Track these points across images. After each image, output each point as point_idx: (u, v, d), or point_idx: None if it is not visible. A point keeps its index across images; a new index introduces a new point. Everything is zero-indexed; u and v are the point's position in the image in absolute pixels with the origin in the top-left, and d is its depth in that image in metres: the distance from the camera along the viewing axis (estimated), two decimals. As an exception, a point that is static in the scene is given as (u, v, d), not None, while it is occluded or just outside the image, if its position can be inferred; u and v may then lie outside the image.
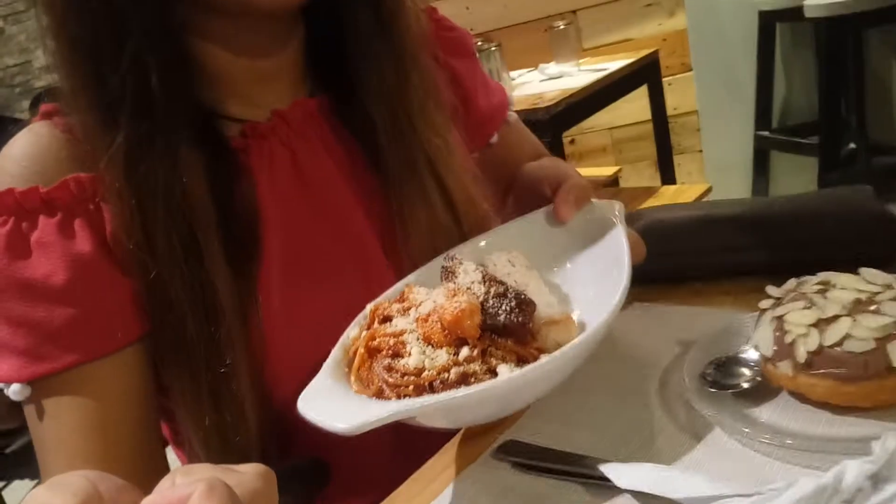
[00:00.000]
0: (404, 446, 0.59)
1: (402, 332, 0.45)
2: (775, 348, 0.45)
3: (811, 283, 0.48)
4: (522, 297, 0.47)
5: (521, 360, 0.45)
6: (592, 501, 0.43)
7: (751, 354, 0.49)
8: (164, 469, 0.59)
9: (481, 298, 0.46)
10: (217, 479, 0.24)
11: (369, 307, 0.50)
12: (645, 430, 0.49)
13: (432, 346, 0.44)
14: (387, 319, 0.48)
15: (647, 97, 2.31)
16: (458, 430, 0.55)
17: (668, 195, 2.06)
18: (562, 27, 2.18)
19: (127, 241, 0.53)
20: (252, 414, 0.56)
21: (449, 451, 0.53)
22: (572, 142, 2.91)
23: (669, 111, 2.45)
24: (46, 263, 0.53)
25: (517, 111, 0.85)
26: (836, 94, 2.19)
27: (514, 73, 2.31)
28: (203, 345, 0.54)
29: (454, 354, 0.43)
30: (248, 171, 0.60)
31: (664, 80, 2.36)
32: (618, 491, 0.42)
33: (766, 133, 2.48)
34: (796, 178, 2.51)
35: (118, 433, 0.55)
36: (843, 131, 2.22)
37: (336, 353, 0.48)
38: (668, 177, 2.45)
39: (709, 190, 2.05)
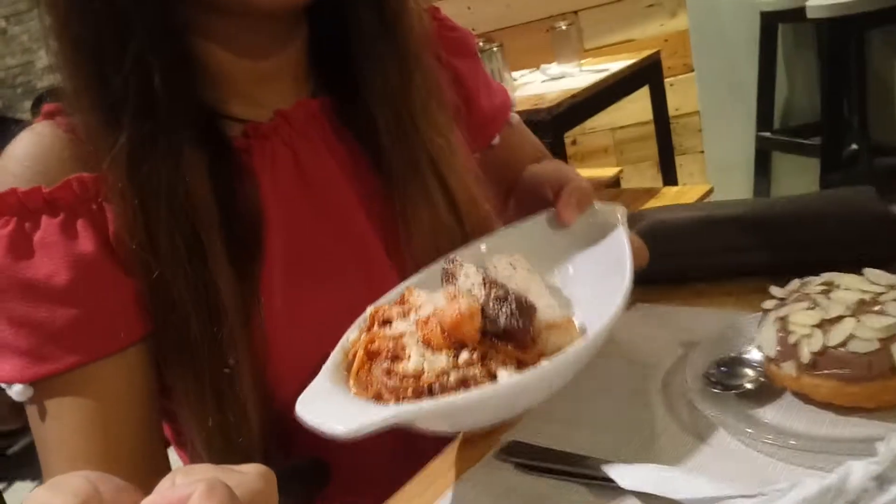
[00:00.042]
0: (405, 447, 0.59)
1: (401, 335, 0.45)
2: (779, 349, 0.45)
3: (815, 283, 0.48)
4: (523, 300, 0.46)
5: (522, 365, 0.44)
6: (595, 502, 0.43)
7: (754, 355, 0.49)
8: (165, 470, 0.59)
9: (482, 302, 0.46)
10: (217, 479, 0.24)
11: (369, 310, 0.50)
12: (648, 430, 0.48)
13: (432, 350, 0.44)
14: (387, 322, 0.47)
15: (649, 98, 2.31)
16: (456, 435, 0.55)
17: (670, 196, 2.06)
18: (563, 27, 2.18)
19: (130, 241, 0.53)
20: (255, 414, 0.56)
21: (451, 453, 0.53)
22: (574, 142, 2.91)
23: (671, 112, 2.44)
24: (49, 264, 0.53)
25: (519, 111, 0.85)
26: (838, 95, 2.18)
27: (515, 74, 2.32)
28: (206, 345, 0.54)
29: (454, 358, 0.43)
30: (251, 171, 0.60)
31: (666, 80, 2.36)
32: (621, 492, 0.42)
33: (767, 134, 2.48)
34: (798, 178, 2.50)
35: (120, 434, 0.55)
36: (845, 132, 2.22)
37: (335, 355, 0.48)
38: (669, 178, 2.45)
39: (710, 191, 2.05)
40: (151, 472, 0.56)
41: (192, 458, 0.65)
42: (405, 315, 0.47)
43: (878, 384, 0.42)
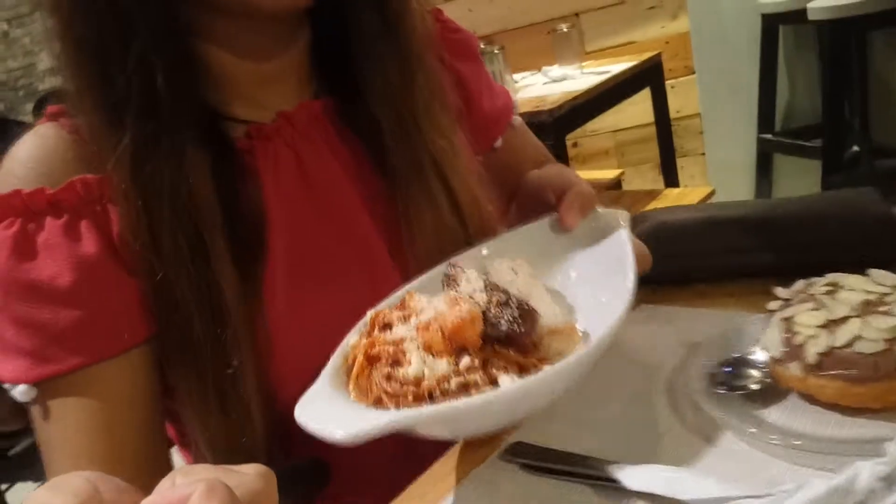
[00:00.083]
0: (407, 447, 0.58)
1: (401, 340, 0.44)
2: (784, 350, 0.45)
3: (819, 284, 0.48)
4: (525, 305, 0.45)
5: (523, 371, 0.43)
6: (601, 503, 0.43)
7: (759, 356, 0.49)
8: (168, 470, 0.58)
9: (483, 307, 0.45)
10: (217, 479, 0.24)
11: (370, 314, 0.49)
12: (652, 431, 0.48)
13: (432, 355, 0.43)
14: (387, 327, 0.47)
15: (650, 100, 2.31)
16: (456, 441, 0.54)
17: (672, 198, 2.05)
18: (565, 30, 2.19)
19: (133, 241, 0.53)
20: (258, 415, 0.56)
21: (456, 454, 0.53)
22: (575, 145, 2.91)
23: (672, 114, 2.44)
24: (52, 265, 0.53)
25: (520, 114, 0.84)
26: (839, 97, 2.18)
27: (516, 76, 2.32)
28: (209, 345, 0.54)
29: (454, 364, 0.42)
30: (254, 172, 0.60)
31: (667, 82, 2.36)
32: (626, 492, 0.42)
33: (769, 136, 2.48)
34: (799, 180, 2.50)
35: (124, 434, 0.55)
36: (847, 134, 2.22)
37: (335, 360, 0.47)
38: (671, 180, 2.45)
39: (712, 193, 2.05)
40: (155, 472, 0.56)
41: (196, 458, 0.65)
42: (406, 319, 0.47)
43: (884, 385, 0.42)
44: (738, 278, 0.64)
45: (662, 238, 0.66)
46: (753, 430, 0.44)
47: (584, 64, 2.25)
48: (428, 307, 0.46)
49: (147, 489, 0.26)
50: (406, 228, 0.63)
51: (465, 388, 0.41)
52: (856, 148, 2.22)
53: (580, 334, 0.49)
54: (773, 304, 0.49)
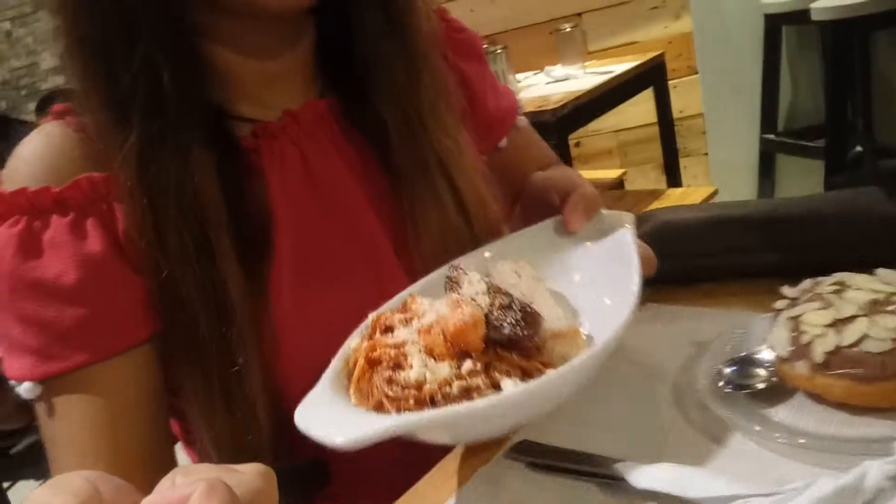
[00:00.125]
0: (408, 448, 0.58)
1: (403, 344, 0.44)
2: (791, 349, 0.45)
3: (826, 283, 0.47)
4: (528, 309, 0.45)
5: (526, 375, 0.43)
6: (608, 501, 0.43)
7: (765, 355, 0.49)
8: (173, 467, 0.59)
9: (486, 310, 0.44)
10: (217, 478, 0.24)
11: (371, 317, 0.49)
12: (659, 430, 0.48)
13: (434, 359, 0.42)
14: (388, 330, 0.46)
15: (652, 100, 2.31)
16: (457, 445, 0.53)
17: (674, 198, 2.05)
18: (568, 30, 2.18)
19: (139, 239, 0.54)
20: (263, 414, 0.56)
21: (460, 453, 0.53)
22: (577, 144, 2.91)
23: (675, 114, 2.44)
24: (58, 263, 0.53)
25: (523, 113, 0.84)
26: (842, 97, 2.18)
27: (519, 76, 2.32)
28: (215, 344, 0.54)
29: (456, 367, 0.42)
30: (259, 171, 0.60)
31: (669, 82, 2.36)
32: (633, 491, 0.42)
33: (771, 136, 2.48)
34: (802, 181, 2.50)
35: (128, 432, 0.55)
36: (850, 134, 2.22)
37: (336, 363, 0.47)
38: (673, 180, 2.44)
39: (715, 193, 2.04)
40: (159, 469, 0.56)
41: (201, 456, 0.65)
42: (407, 322, 0.46)
43: (891, 384, 0.41)
44: (743, 278, 0.64)
45: (666, 237, 0.66)
46: (760, 428, 0.43)
47: (586, 64, 2.25)
48: (430, 310, 0.46)
49: (151, 486, 0.26)
50: (411, 227, 0.63)
51: (467, 393, 0.41)
52: (859, 148, 2.21)
53: (584, 338, 0.48)
54: (779, 303, 0.49)
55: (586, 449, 0.47)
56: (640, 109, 2.58)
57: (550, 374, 0.41)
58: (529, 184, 0.70)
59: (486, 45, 1.98)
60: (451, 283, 0.50)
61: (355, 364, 0.45)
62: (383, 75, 0.63)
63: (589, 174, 2.41)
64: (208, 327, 0.54)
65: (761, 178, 2.57)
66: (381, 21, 0.62)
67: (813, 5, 2.08)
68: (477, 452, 0.52)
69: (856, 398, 0.43)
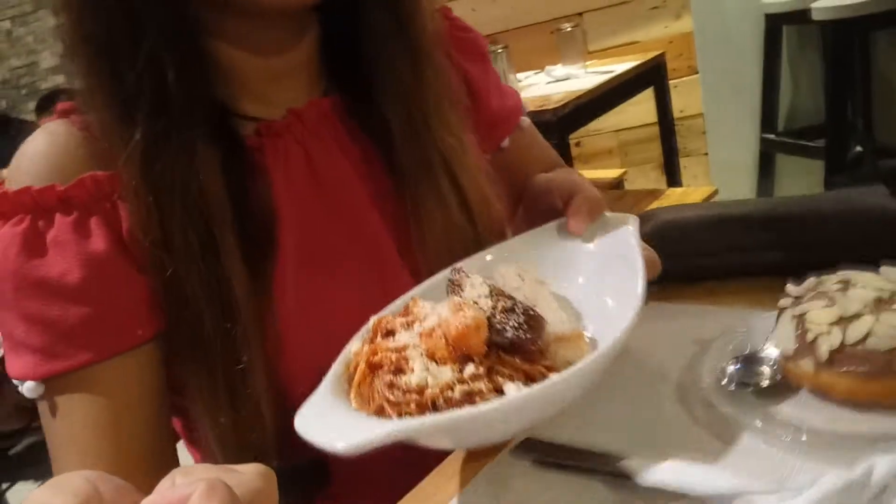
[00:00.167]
0: (409, 449, 0.58)
1: (404, 347, 0.43)
2: (796, 346, 0.45)
3: (831, 281, 0.48)
4: (531, 312, 0.44)
5: (529, 379, 0.42)
6: (614, 498, 0.43)
7: (769, 352, 0.49)
8: (175, 466, 0.59)
9: (488, 313, 0.44)
10: (217, 479, 0.24)
11: (372, 320, 0.48)
12: (664, 428, 0.48)
13: (436, 363, 0.42)
14: (390, 333, 0.46)
15: (653, 100, 2.31)
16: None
17: (674, 198, 2.05)
18: (568, 29, 2.19)
19: (143, 238, 0.53)
20: (268, 412, 0.56)
21: (465, 451, 0.53)
22: (578, 144, 2.91)
23: (675, 114, 2.45)
24: (62, 262, 0.53)
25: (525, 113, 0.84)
26: (842, 97, 2.19)
27: (520, 75, 2.32)
28: (219, 342, 0.54)
29: (458, 372, 0.41)
30: (264, 169, 0.60)
31: (670, 82, 2.36)
32: (638, 487, 0.42)
33: (771, 136, 2.48)
34: (802, 180, 2.51)
35: (130, 431, 0.55)
36: (850, 134, 2.22)
37: (337, 367, 0.46)
38: (673, 179, 2.45)
39: (714, 192, 2.05)
40: (161, 468, 0.56)
41: (205, 455, 0.65)
42: (409, 326, 0.45)
43: (896, 381, 0.42)
44: (745, 276, 0.64)
45: (669, 236, 0.66)
46: (765, 426, 0.44)
47: (587, 63, 2.25)
48: (432, 313, 0.45)
49: (153, 485, 0.26)
50: (415, 226, 0.63)
51: (469, 397, 0.40)
52: (859, 148, 2.22)
53: (588, 341, 0.48)
54: (784, 301, 0.49)
55: (591, 447, 0.47)
56: (640, 109, 2.59)
57: (554, 378, 0.41)
58: (532, 186, 0.70)
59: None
60: (453, 286, 0.49)
61: (356, 368, 0.45)
62: (388, 74, 0.63)
63: (589, 174, 2.41)
64: (213, 325, 0.54)
65: (761, 178, 2.57)
66: (387, 20, 0.62)
67: (813, 5, 2.09)
68: (481, 450, 0.52)
69: (861, 395, 0.43)
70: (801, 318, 0.46)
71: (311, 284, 0.60)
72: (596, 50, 2.73)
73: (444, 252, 0.61)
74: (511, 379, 0.42)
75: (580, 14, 2.73)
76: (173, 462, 0.60)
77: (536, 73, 2.38)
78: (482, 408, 0.38)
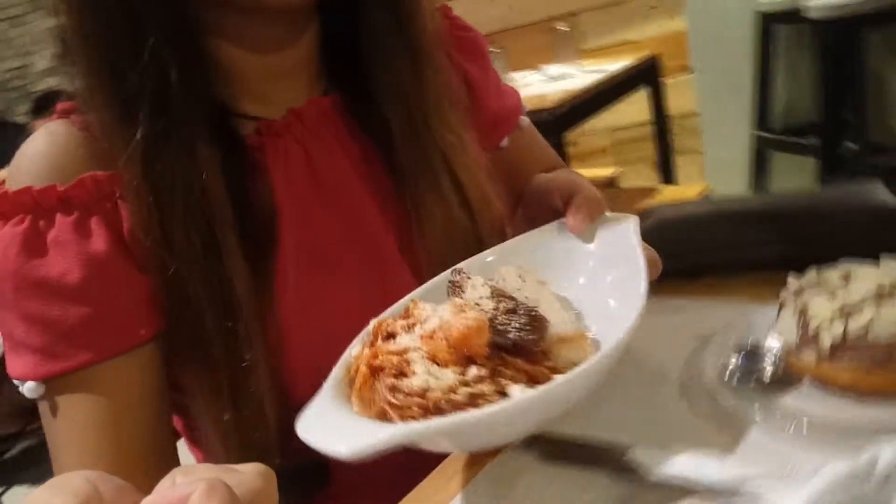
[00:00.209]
0: (409, 449, 0.58)
1: (406, 350, 0.43)
2: (798, 339, 0.45)
3: (832, 274, 0.48)
4: (534, 313, 0.44)
5: (532, 381, 0.42)
6: (620, 492, 0.43)
7: (772, 345, 0.49)
8: (176, 465, 0.59)
9: (490, 315, 0.43)
10: (217, 478, 0.24)
11: (373, 323, 0.48)
12: (667, 422, 0.48)
13: (438, 365, 0.41)
14: (390, 336, 0.45)
15: (646, 99, 2.32)
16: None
17: (669, 196, 2.07)
18: (564, 29, 2.19)
19: (144, 238, 0.53)
20: (271, 411, 0.56)
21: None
22: (572, 143, 2.91)
23: (669, 112, 2.46)
24: (62, 262, 0.53)
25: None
26: (836, 95, 2.20)
27: (516, 75, 2.32)
28: (221, 341, 0.54)
29: (461, 374, 0.41)
30: (264, 168, 0.60)
31: (664, 81, 2.37)
32: (645, 480, 0.42)
33: (765, 134, 2.49)
34: (796, 178, 2.52)
35: (131, 431, 0.55)
36: (843, 132, 2.23)
37: (337, 371, 0.46)
38: (667, 178, 2.46)
39: (709, 191, 2.06)
40: (162, 468, 0.56)
41: (208, 454, 0.65)
42: (410, 329, 0.45)
43: (898, 371, 0.42)
44: (745, 271, 0.64)
45: (668, 232, 0.66)
46: (768, 418, 0.44)
47: (582, 63, 2.26)
48: (433, 316, 0.44)
49: (153, 485, 0.26)
50: (416, 224, 0.63)
51: (473, 400, 0.40)
52: (852, 146, 2.23)
53: (590, 342, 0.47)
54: (785, 294, 0.49)
55: (596, 441, 0.47)
56: (633, 108, 2.59)
57: (560, 379, 0.40)
58: (532, 186, 0.69)
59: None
60: (454, 288, 0.49)
61: (357, 372, 0.44)
62: (388, 73, 0.63)
63: (583, 172, 2.41)
64: (214, 324, 0.54)
65: (755, 176, 2.58)
66: (387, 20, 0.62)
67: (807, 4, 2.10)
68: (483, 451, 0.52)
69: (863, 385, 0.43)
70: (803, 311, 0.46)
71: (312, 282, 0.60)
72: (591, 49, 2.74)
73: (445, 250, 0.61)
74: (514, 381, 0.41)
75: (575, 14, 2.73)
76: (174, 462, 0.60)
77: (532, 73, 2.39)
78: (488, 410, 0.38)
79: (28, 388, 0.54)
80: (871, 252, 0.49)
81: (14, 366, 0.54)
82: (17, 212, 0.53)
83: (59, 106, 0.59)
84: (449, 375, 0.41)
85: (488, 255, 0.57)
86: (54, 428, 0.54)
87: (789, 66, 2.46)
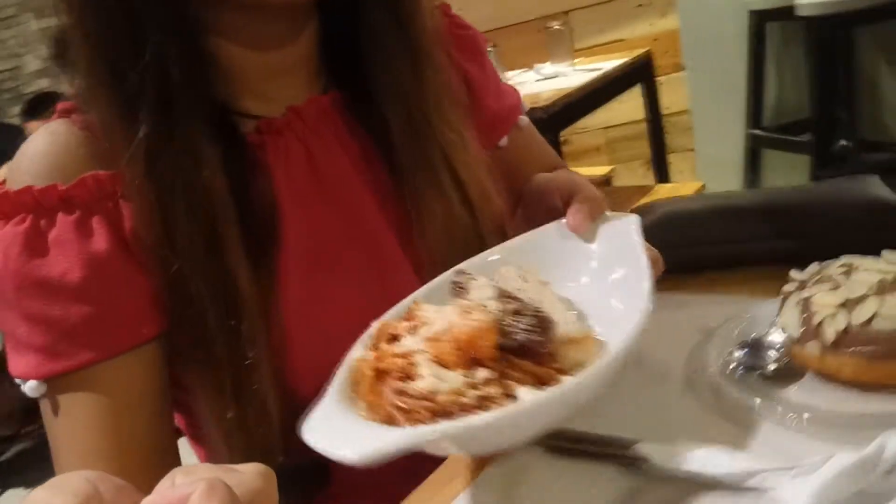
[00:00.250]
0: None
1: (411, 353, 0.42)
2: (802, 330, 0.46)
3: (834, 266, 0.48)
4: (540, 314, 0.44)
5: (541, 382, 0.41)
6: (628, 484, 0.44)
7: (775, 337, 0.49)
8: (177, 464, 0.59)
9: (497, 316, 0.43)
10: (217, 478, 0.24)
11: (375, 326, 0.48)
12: (673, 414, 0.49)
13: (445, 368, 0.41)
14: (394, 339, 0.45)
15: (639, 97, 2.33)
16: None
17: (663, 194, 2.07)
18: (557, 27, 2.20)
19: (147, 236, 0.53)
20: (274, 409, 0.56)
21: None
22: (566, 142, 2.92)
23: (661, 110, 2.46)
24: (64, 261, 0.53)
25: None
26: (827, 92, 2.21)
27: (510, 74, 2.33)
28: (224, 339, 0.54)
29: (468, 376, 0.40)
30: (265, 166, 0.60)
31: (656, 79, 2.38)
32: (653, 472, 0.42)
33: (758, 131, 2.51)
34: (788, 175, 2.53)
35: (132, 430, 0.55)
36: (835, 129, 2.25)
37: (341, 374, 0.46)
38: (661, 176, 2.46)
39: (702, 188, 2.07)
40: (163, 467, 0.55)
41: (211, 452, 0.65)
42: (413, 331, 0.45)
43: (902, 362, 0.42)
44: (746, 266, 0.65)
45: (669, 227, 0.67)
46: (773, 409, 0.44)
47: (575, 61, 2.27)
48: (437, 317, 0.44)
49: (155, 483, 0.26)
50: (416, 221, 0.63)
51: (482, 402, 0.39)
52: (844, 142, 2.24)
53: (596, 343, 0.47)
54: (788, 286, 0.50)
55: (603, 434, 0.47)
56: (627, 106, 2.60)
57: (572, 381, 0.40)
58: (531, 186, 0.69)
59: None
60: (458, 289, 0.48)
61: (361, 375, 0.44)
62: (387, 72, 0.63)
63: (577, 171, 2.42)
64: (217, 322, 0.54)
65: (748, 173, 2.60)
66: (387, 19, 0.62)
67: (797, 1, 2.11)
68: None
69: (867, 376, 0.44)
70: (806, 303, 0.46)
71: (313, 280, 0.60)
72: (583, 48, 2.74)
73: (446, 248, 0.61)
74: (522, 383, 0.41)
75: (567, 12, 2.74)
76: (175, 460, 0.60)
77: (525, 72, 2.39)
78: (500, 413, 0.38)
79: (29, 388, 0.54)
80: (871, 247, 0.50)
81: (16, 365, 0.54)
82: (18, 211, 0.53)
83: (60, 105, 0.59)
84: (456, 378, 0.40)
85: (490, 255, 0.57)
86: (55, 427, 0.54)
87: (782, 64, 2.47)
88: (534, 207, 0.67)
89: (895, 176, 0.65)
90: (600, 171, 2.50)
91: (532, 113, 1.82)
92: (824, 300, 0.45)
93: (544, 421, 0.43)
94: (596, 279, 0.54)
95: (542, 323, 0.43)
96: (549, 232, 0.58)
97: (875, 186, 0.64)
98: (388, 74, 0.63)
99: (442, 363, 0.41)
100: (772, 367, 0.48)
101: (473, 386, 0.40)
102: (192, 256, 0.54)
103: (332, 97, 0.65)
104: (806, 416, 0.43)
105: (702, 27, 2.52)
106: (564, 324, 0.45)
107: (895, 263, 0.46)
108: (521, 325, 0.42)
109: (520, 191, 0.72)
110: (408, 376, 0.41)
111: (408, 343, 0.44)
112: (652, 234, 0.58)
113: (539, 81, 2.20)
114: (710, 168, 2.68)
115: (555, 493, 0.45)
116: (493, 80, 0.78)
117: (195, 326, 0.54)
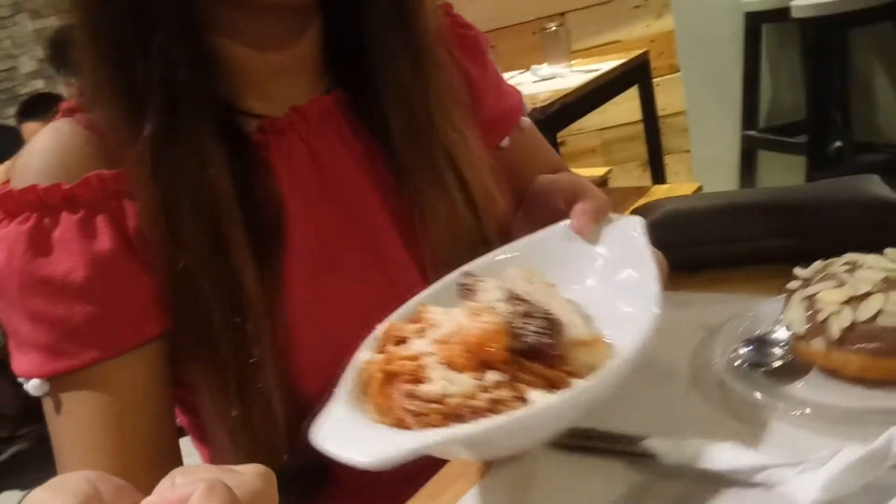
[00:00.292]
0: None
1: (419, 356, 0.42)
2: (807, 326, 0.46)
3: (838, 263, 0.49)
4: (550, 316, 0.43)
5: (551, 385, 0.41)
6: (637, 479, 0.44)
7: (780, 334, 0.50)
8: (179, 464, 0.59)
9: (506, 318, 0.42)
10: (217, 479, 0.24)
11: (381, 328, 0.47)
12: (681, 411, 0.49)
13: (455, 371, 0.40)
14: (401, 341, 0.44)
15: (635, 99, 2.33)
16: None
17: (659, 195, 2.07)
18: (553, 29, 2.20)
19: (151, 235, 0.53)
20: (279, 407, 0.56)
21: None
22: (562, 143, 2.93)
23: (657, 112, 2.47)
24: (67, 260, 0.53)
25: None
26: (822, 94, 2.22)
27: (506, 75, 2.32)
28: (229, 338, 0.54)
29: (478, 379, 0.40)
30: (268, 165, 0.60)
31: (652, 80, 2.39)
32: (662, 467, 0.43)
33: (753, 132, 2.52)
34: (783, 176, 2.54)
35: (135, 429, 0.55)
36: (830, 130, 2.26)
37: (348, 377, 0.45)
38: (658, 177, 2.47)
39: (699, 189, 2.07)
40: (165, 466, 0.55)
41: (215, 452, 0.65)
42: (421, 333, 0.44)
43: (907, 358, 0.43)
44: (748, 264, 0.65)
45: (672, 226, 0.67)
46: (780, 404, 0.45)
47: (572, 62, 2.27)
48: (445, 319, 0.44)
49: (157, 482, 0.26)
50: (420, 220, 0.63)
51: (493, 405, 0.39)
52: (839, 143, 2.25)
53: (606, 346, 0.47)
54: (793, 284, 0.50)
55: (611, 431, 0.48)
56: (623, 108, 2.61)
57: (584, 384, 0.40)
58: (534, 187, 0.68)
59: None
60: (466, 291, 0.48)
61: (370, 377, 0.44)
62: (390, 72, 0.63)
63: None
64: (222, 321, 0.54)
65: (743, 174, 2.61)
66: (389, 19, 0.62)
67: (792, 3, 2.12)
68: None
69: (872, 372, 0.44)
70: (811, 299, 0.47)
71: (318, 279, 0.60)
72: (579, 49, 2.75)
73: (450, 247, 0.61)
74: (533, 386, 0.40)
75: (563, 14, 2.74)
76: (176, 460, 0.59)
77: (521, 73, 2.39)
78: (514, 416, 0.37)
79: (33, 386, 0.54)
80: (872, 246, 0.50)
81: (19, 363, 0.54)
82: (22, 210, 0.53)
83: (64, 105, 0.59)
84: (466, 381, 0.40)
85: (496, 256, 0.57)
86: (58, 425, 0.54)
87: (776, 66, 2.49)
88: (536, 209, 0.66)
89: (890, 177, 0.65)
90: (596, 172, 2.51)
91: (530, 114, 1.82)
92: (829, 297, 0.45)
93: (556, 424, 0.42)
94: (601, 282, 0.53)
95: (553, 325, 0.43)
96: (554, 234, 0.58)
97: (875, 185, 0.64)
98: (390, 74, 0.63)
99: (452, 366, 0.41)
100: (776, 363, 0.48)
101: (484, 389, 0.39)
102: (197, 255, 0.54)
103: (334, 97, 0.65)
104: (811, 411, 0.44)
105: (697, 29, 2.53)
106: (573, 326, 0.45)
107: (899, 261, 0.46)
108: (532, 328, 0.42)
109: (522, 192, 0.71)
110: (417, 379, 0.41)
111: (416, 345, 0.43)
112: (656, 232, 0.58)
113: (536, 83, 2.20)
114: (705, 169, 2.69)
115: (563, 489, 0.45)
116: (495, 80, 0.77)
117: (200, 325, 0.54)
